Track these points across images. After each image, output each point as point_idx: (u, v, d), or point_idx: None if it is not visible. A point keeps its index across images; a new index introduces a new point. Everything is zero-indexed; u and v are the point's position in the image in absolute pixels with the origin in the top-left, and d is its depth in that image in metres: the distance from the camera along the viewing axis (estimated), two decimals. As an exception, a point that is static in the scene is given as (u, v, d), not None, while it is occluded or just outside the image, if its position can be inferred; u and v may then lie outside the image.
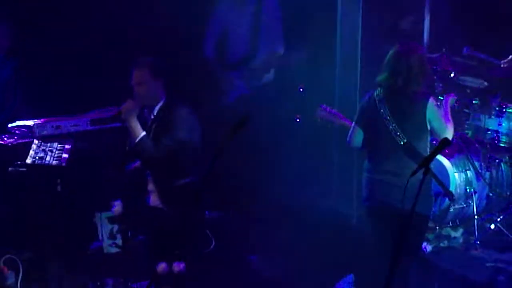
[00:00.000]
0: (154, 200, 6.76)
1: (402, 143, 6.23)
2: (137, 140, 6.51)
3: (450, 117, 6.49)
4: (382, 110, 6.29)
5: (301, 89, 9.00)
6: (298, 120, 8.35)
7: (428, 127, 6.30)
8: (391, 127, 6.26)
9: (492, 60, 8.36)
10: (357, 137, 6.46)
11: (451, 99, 6.81)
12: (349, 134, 6.51)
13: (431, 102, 6.27)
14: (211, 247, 6.58)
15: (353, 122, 6.50)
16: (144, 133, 6.53)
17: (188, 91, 7.52)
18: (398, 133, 6.24)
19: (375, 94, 6.36)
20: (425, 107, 6.24)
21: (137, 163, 6.92)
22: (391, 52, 6.32)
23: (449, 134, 6.34)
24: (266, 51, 9.06)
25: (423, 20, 9.42)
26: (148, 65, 6.63)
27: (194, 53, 9.12)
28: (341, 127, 6.93)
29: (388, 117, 6.27)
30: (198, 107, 6.92)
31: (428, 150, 6.30)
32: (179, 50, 8.77)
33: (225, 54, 9.19)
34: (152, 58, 6.72)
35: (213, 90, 9.17)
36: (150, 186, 6.76)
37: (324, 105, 7.04)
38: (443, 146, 5.46)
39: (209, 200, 6.76)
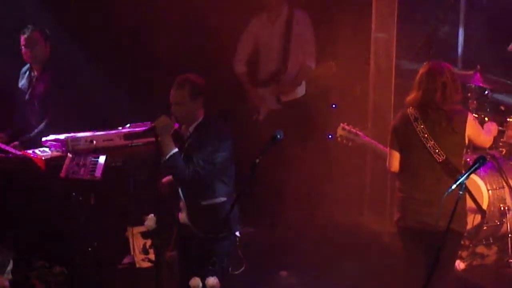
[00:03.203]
0: (183, 217, 6.69)
1: (440, 160, 6.21)
2: (167, 156, 6.38)
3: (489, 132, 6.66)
4: (418, 129, 6.27)
5: (333, 106, 8.98)
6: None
7: (466, 143, 6.30)
8: (429, 145, 6.23)
9: None
10: (396, 161, 6.42)
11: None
12: (387, 160, 6.45)
13: (470, 117, 6.30)
14: (242, 269, 6.49)
15: (388, 147, 6.45)
16: (176, 149, 6.37)
17: (218, 108, 7.49)
18: (437, 150, 6.22)
19: (408, 113, 6.33)
20: (465, 123, 6.25)
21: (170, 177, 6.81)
22: (422, 71, 6.31)
23: (489, 143, 6.65)
24: (297, 66, 9.04)
25: (457, 35, 9.40)
26: (187, 85, 6.48)
27: (225, 69, 9.13)
28: (362, 146, 6.85)
29: (426, 135, 6.25)
30: (229, 123, 6.85)
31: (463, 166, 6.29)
32: (210, 67, 8.77)
33: (256, 69, 9.19)
34: (191, 78, 6.57)
35: (244, 106, 9.17)
36: (181, 203, 6.69)
37: (345, 124, 6.92)
38: (479, 165, 5.46)
39: (241, 218, 6.67)
